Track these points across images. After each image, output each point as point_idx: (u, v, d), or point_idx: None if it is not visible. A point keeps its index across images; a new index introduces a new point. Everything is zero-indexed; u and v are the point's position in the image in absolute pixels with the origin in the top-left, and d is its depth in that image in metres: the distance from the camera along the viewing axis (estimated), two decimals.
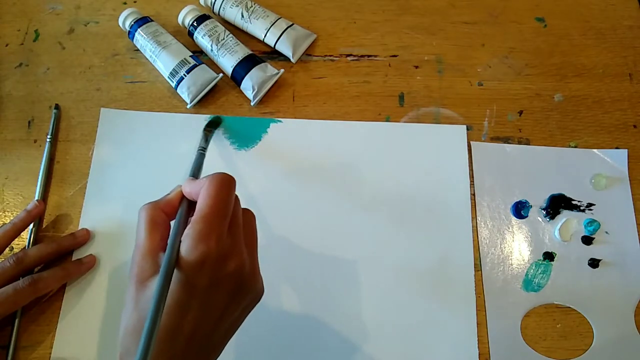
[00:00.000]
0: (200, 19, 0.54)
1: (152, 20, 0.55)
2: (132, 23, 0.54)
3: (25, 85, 0.55)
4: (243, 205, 0.49)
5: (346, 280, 0.47)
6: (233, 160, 0.51)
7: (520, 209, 0.50)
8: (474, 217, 0.49)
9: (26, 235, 0.48)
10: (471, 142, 0.52)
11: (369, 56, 0.57)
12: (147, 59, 0.55)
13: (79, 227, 0.48)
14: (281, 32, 0.55)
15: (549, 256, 0.48)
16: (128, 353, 0.29)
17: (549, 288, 0.47)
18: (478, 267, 0.47)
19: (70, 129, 0.53)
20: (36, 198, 0.48)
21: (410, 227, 0.49)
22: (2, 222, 0.49)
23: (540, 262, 0.48)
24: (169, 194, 0.35)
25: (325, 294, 0.47)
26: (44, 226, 0.49)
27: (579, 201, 0.50)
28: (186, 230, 0.31)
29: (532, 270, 0.47)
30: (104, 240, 0.48)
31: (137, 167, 0.51)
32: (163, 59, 0.53)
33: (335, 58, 0.57)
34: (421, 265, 0.47)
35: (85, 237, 0.47)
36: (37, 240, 0.48)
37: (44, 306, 0.46)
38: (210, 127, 0.51)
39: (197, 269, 0.30)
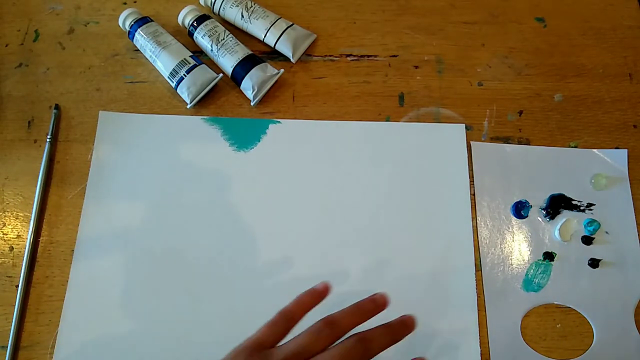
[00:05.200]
0: (200, 19, 0.54)
1: (152, 20, 0.55)
2: (132, 23, 0.54)
3: (25, 85, 0.55)
4: (241, 206, 0.49)
5: (346, 280, 0.47)
6: (232, 162, 0.51)
7: (520, 209, 0.50)
8: (474, 217, 0.49)
9: (26, 236, 0.48)
10: (471, 142, 0.52)
11: (369, 56, 0.57)
12: (147, 59, 0.55)
13: (80, 228, 0.48)
14: (281, 32, 0.55)
15: (549, 256, 0.48)
16: None
17: (549, 288, 0.47)
18: (478, 267, 0.47)
19: (70, 129, 0.53)
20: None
21: (410, 227, 0.49)
22: (2, 223, 0.49)
23: (540, 262, 0.48)
24: None
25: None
26: (43, 227, 0.49)
27: (579, 201, 0.50)
28: None
29: (532, 270, 0.47)
30: (103, 242, 0.48)
31: (136, 169, 0.51)
32: (163, 59, 0.53)
33: (335, 58, 0.57)
34: (421, 265, 0.47)
35: (385, 303, 0.39)
36: (36, 242, 0.48)
37: (44, 306, 0.46)
38: None
39: None
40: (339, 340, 0.36)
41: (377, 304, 0.39)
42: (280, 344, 0.37)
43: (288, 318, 0.38)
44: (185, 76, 0.52)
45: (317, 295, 0.39)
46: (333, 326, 0.36)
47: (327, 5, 0.59)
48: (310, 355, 0.35)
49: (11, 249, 0.48)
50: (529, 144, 0.52)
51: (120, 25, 0.55)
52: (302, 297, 0.39)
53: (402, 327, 0.39)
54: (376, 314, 0.39)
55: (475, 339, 0.45)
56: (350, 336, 0.36)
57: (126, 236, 0.48)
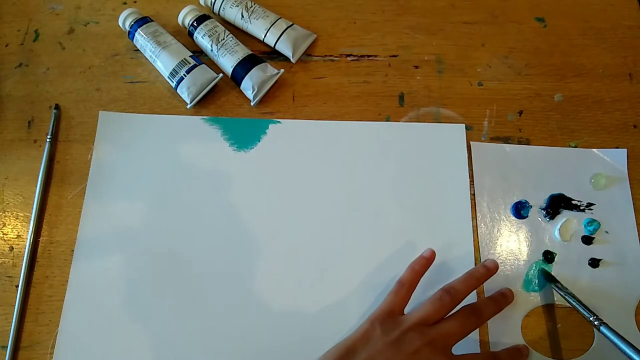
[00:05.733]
0: (200, 19, 0.54)
1: (152, 20, 0.55)
2: (132, 23, 0.54)
3: (25, 85, 0.55)
4: (241, 206, 0.49)
5: (347, 281, 0.47)
6: (232, 162, 0.51)
7: (520, 209, 0.50)
8: (474, 217, 0.49)
9: (26, 236, 0.48)
10: (471, 142, 0.52)
11: (369, 56, 0.57)
12: (147, 59, 0.55)
13: (80, 228, 0.48)
14: (281, 32, 0.55)
15: (548, 256, 0.48)
16: None
17: (549, 288, 0.47)
18: None
19: (70, 129, 0.53)
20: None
21: (410, 227, 0.49)
22: (2, 223, 0.49)
23: (541, 262, 0.48)
24: None
25: (325, 294, 0.47)
26: (43, 227, 0.49)
27: (578, 201, 0.50)
28: None
29: (532, 270, 0.47)
30: (103, 242, 0.48)
31: (136, 169, 0.51)
32: (163, 59, 0.53)
33: (335, 58, 0.57)
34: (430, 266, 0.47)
35: (496, 267, 0.45)
36: (36, 242, 0.48)
37: (44, 306, 0.46)
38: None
39: None
40: (455, 309, 0.41)
41: (488, 268, 0.44)
42: (406, 310, 0.42)
43: (406, 286, 0.43)
44: (185, 76, 0.52)
45: (426, 261, 0.45)
46: (452, 293, 0.41)
47: (327, 5, 0.59)
48: (435, 321, 0.40)
49: (11, 249, 0.48)
50: (529, 144, 0.52)
51: (120, 25, 0.55)
52: (414, 266, 0.45)
53: (503, 298, 0.45)
54: (489, 277, 0.44)
55: (476, 338, 0.45)
56: (464, 307, 0.42)
57: (126, 236, 0.48)
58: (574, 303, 0.43)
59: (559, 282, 0.46)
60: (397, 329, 0.39)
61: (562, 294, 0.44)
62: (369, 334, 0.40)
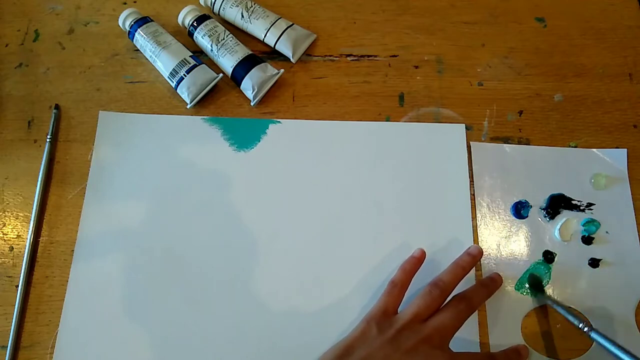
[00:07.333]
0: (200, 19, 0.54)
1: (152, 20, 0.55)
2: (132, 23, 0.54)
3: (25, 85, 0.55)
4: (241, 206, 0.49)
5: (347, 281, 0.47)
6: (232, 162, 0.51)
7: (520, 209, 0.50)
8: (474, 217, 0.49)
9: (26, 236, 0.48)
10: (471, 142, 0.52)
11: (369, 56, 0.57)
12: (147, 59, 0.55)
13: (80, 228, 0.48)
14: (281, 32, 0.55)
15: (548, 256, 0.48)
16: None
17: (549, 288, 0.47)
18: (478, 267, 0.47)
19: (70, 129, 0.53)
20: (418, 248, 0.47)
21: (410, 227, 0.49)
22: (2, 223, 0.49)
23: (540, 262, 0.48)
24: None
25: (325, 294, 0.47)
26: (43, 227, 0.49)
27: (578, 201, 0.50)
28: None
29: (529, 271, 0.47)
30: (103, 242, 0.48)
31: (136, 169, 0.51)
32: (163, 59, 0.53)
33: (335, 58, 0.57)
34: (421, 265, 0.47)
35: (480, 252, 0.46)
36: (36, 242, 0.48)
37: (44, 306, 0.46)
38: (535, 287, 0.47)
39: None
40: (447, 300, 0.42)
41: (472, 255, 0.45)
42: (399, 309, 0.43)
43: (399, 286, 0.44)
44: (185, 76, 0.52)
45: (417, 261, 0.46)
46: (441, 286, 0.42)
47: (327, 5, 0.59)
48: (428, 315, 0.41)
49: (11, 249, 0.48)
50: (529, 144, 0.52)
51: (120, 25, 0.55)
52: (405, 266, 0.45)
53: (492, 283, 0.45)
54: (475, 264, 0.45)
55: (477, 339, 0.45)
56: (454, 297, 0.42)
57: (126, 236, 0.48)
58: (562, 312, 0.44)
59: (544, 293, 0.46)
60: (392, 328, 0.40)
61: (549, 303, 0.45)
62: (365, 333, 0.40)
